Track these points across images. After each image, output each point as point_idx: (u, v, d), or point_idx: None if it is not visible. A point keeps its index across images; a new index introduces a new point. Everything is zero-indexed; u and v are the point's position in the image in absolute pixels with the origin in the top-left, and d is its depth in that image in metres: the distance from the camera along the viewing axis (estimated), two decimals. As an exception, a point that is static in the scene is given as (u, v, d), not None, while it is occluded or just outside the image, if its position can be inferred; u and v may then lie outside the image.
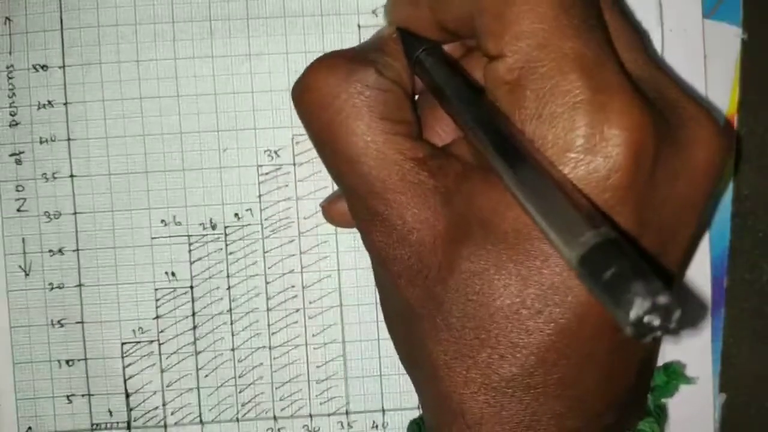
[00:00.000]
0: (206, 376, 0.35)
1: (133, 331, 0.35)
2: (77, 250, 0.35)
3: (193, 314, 0.35)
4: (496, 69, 0.25)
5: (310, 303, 0.35)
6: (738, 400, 0.37)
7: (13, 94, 0.35)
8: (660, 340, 0.33)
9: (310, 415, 0.36)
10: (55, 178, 0.35)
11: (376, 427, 0.36)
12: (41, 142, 0.35)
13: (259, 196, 0.35)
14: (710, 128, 0.26)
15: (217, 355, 0.35)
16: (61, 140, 0.35)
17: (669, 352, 0.35)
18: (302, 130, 0.29)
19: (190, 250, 0.35)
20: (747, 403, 0.37)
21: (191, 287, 0.35)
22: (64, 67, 0.35)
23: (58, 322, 0.35)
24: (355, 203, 0.28)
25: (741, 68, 0.36)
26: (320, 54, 0.29)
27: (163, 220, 0.35)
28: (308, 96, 0.28)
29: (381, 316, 0.34)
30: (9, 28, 0.34)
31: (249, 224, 0.35)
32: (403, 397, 0.36)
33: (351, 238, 0.35)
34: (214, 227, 0.35)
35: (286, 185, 0.35)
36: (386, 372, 0.36)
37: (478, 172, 0.26)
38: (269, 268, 0.35)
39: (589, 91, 0.23)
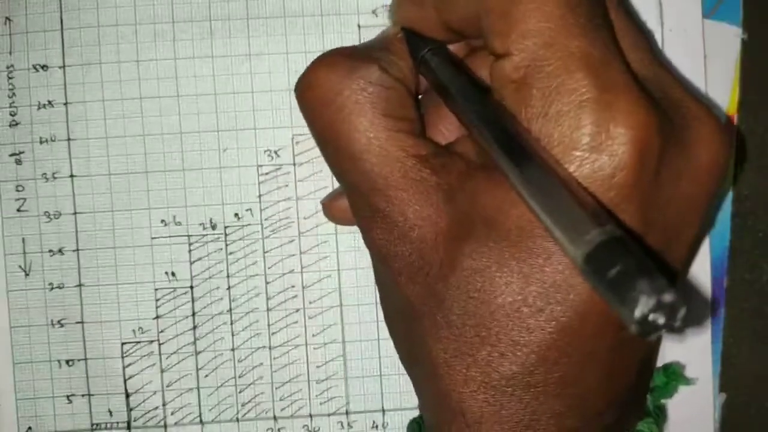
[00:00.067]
0: (206, 376, 0.35)
1: (133, 331, 0.35)
2: (77, 250, 0.35)
3: (193, 314, 0.35)
4: (502, 67, 0.25)
5: (310, 303, 0.35)
6: (738, 400, 0.37)
7: (13, 94, 0.35)
8: (660, 339, 0.33)
9: (310, 415, 0.35)
10: (55, 178, 0.35)
11: (376, 427, 0.36)
12: (41, 142, 0.35)
13: (259, 196, 0.35)
14: (714, 128, 0.26)
15: (217, 355, 0.35)
16: (61, 140, 0.35)
17: (669, 352, 0.35)
18: (302, 130, 0.29)
19: (190, 250, 0.35)
20: (747, 403, 0.37)
21: (191, 287, 0.35)
22: (64, 67, 0.35)
23: (58, 322, 0.35)
24: (356, 200, 0.28)
25: (741, 68, 0.36)
26: (320, 54, 0.29)
27: (163, 220, 0.35)
28: (311, 93, 0.28)
29: (381, 316, 0.33)
30: (9, 28, 0.34)
31: (249, 224, 0.35)
32: (403, 397, 0.36)
33: (351, 238, 0.35)
34: (214, 227, 0.35)
35: (286, 185, 0.35)
36: (386, 372, 0.35)
37: (482, 170, 0.26)
38: (269, 268, 0.35)
39: (596, 90, 0.23)
